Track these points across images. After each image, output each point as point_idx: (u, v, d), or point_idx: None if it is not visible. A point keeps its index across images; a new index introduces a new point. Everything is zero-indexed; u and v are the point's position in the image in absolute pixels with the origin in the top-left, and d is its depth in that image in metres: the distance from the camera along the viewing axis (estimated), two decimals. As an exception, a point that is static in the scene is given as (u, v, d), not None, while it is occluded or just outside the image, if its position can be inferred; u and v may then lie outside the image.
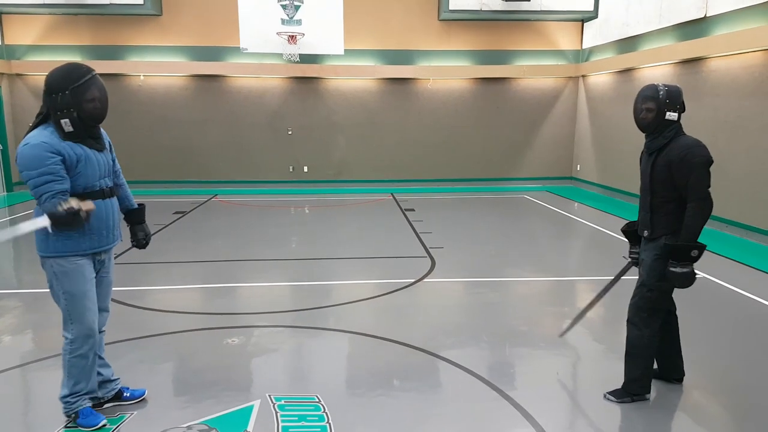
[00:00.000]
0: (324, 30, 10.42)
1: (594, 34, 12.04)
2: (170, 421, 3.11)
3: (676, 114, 3.10)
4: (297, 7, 10.17)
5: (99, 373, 3.19)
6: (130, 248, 7.01)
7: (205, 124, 12.23)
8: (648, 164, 3.22)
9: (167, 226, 8.43)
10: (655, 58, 9.54)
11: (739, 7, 7.70)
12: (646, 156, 3.26)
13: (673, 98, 3.10)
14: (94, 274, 3.02)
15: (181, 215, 9.28)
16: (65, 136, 2.79)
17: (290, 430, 3.04)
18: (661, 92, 3.10)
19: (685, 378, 3.54)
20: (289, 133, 12.38)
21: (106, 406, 3.24)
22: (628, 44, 10.60)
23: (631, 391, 3.30)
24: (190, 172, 12.36)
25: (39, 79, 11.72)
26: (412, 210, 9.85)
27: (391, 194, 11.64)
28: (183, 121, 12.18)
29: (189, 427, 3.06)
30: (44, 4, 10.68)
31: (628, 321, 3.31)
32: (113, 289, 3.26)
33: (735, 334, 4.46)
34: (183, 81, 12.06)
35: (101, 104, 2.86)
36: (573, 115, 12.95)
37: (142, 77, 11.88)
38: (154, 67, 11.75)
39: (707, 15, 8.34)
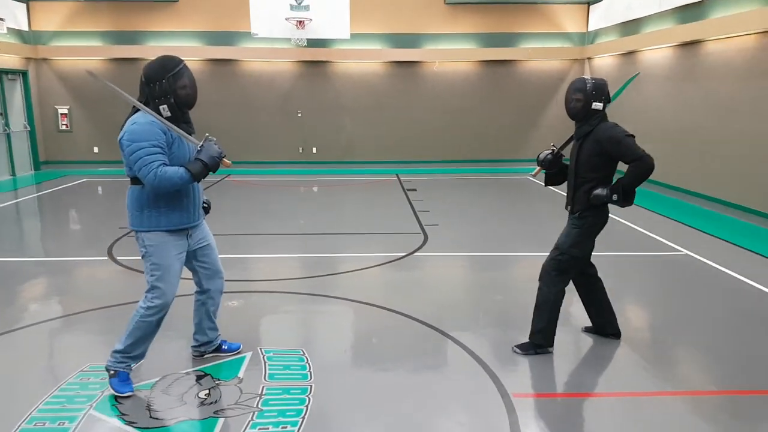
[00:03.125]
0: (331, 15, 10.76)
1: (599, 17, 12.16)
2: (172, 368, 3.60)
3: (601, 104, 3.52)
4: (305, -7, 10.51)
5: (206, 334, 3.66)
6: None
7: (218, 107, 12.69)
8: (575, 148, 3.65)
9: (182, 203, 8.97)
10: (656, 40, 9.70)
11: (734, -9, 7.84)
12: (574, 142, 3.68)
13: (599, 90, 3.50)
14: (183, 252, 3.31)
15: (195, 194, 9.81)
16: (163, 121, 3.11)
17: (276, 376, 3.51)
18: (589, 85, 3.50)
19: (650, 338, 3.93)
20: (299, 115, 12.80)
21: (206, 356, 3.72)
22: (631, 27, 10.73)
23: (536, 342, 3.76)
24: (205, 153, 12.87)
25: (63, 63, 12.31)
26: (414, 190, 10.24)
27: (396, 175, 12.03)
28: (198, 103, 12.52)
29: (187, 373, 3.55)
30: (66, -8, 11.20)
31: (539, 279, 3.77)
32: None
33: (713, 313, 4.80)
34: (198, 65, 12.52)
35: (192, 91, 3.20)
36: (579, 98, 13.09)
37: (159, 61, 12.36)
38: (171, 52, 12.05)
39: (704, -2, 8.49)
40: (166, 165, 3.07)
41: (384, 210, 8.70)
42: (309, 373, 3.55)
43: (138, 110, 3.15)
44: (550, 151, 3.87)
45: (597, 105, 3.51)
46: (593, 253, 3.84)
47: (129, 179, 3.20)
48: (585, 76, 3.59)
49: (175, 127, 3.16)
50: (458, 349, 3.90)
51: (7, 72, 11.48)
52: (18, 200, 9.59)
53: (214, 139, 3.29)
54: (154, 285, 3.25)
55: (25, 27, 11.96)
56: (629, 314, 4.61)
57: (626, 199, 3.49)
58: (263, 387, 3.38)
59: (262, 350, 3.85)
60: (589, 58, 12.71)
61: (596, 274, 3.89)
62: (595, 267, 3.89)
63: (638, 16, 10.36)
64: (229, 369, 3.61)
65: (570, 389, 3.49)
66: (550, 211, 8.90)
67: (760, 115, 7.49)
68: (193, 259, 3.47)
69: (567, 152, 3.90)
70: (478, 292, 5.19)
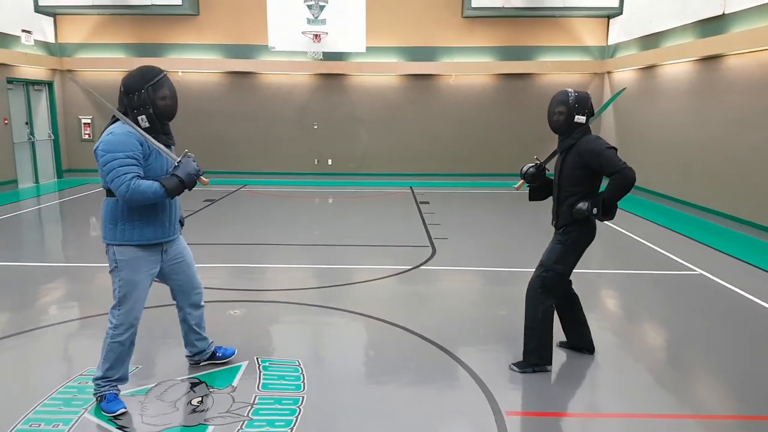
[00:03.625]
0: (347, 29, 10.87)
1: (619, 31, 12.05)
2: (169, 375, 3.62)
3: (584, 117, 3.47)
4: (322, 8, 10.64)
5: (195, 346, 3.66)
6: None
7: (237, 118, 12.90)
8: (558, 162, 3.61)
9: (196, 212, 9.09)
10: (676, 55, 9.56)
11: (757, 4, 7.69)
12: (558, 155, 3.64)
13: (581, 103, 3.47)
14: (156, 268, 3.25)
15: (210, 203, 9.94)
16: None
17: (269, 386, 3.51)
18: (571, 98, 3.47)
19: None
20: (315, 127, 12.91)
21: (202, 364, 3.73)
22: (651, 41, 10.61)
23: (530, 362, 3.69)
24: (222, 163, 13.06)
25: (87, 74, 12.64)
26: (427, 203, 10.21)
27: (410, 187, 12.02)
28: (217, 115, 12.88)
29: (182, 380, 3.56)
30: (93, 5, 11.52)
31: (525, 298, 3.71)
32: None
33: (730, 335, 4.66)
34: (218, 77, 12.75)
35: (172, 102, 3.11)
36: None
37: (180, 73, 12.62)
38: (192, 64, 12.48)
39: (725, 12, 8.35)
40: (140, 177, 2.99)
41: (395, 222, 8.69)
42: (303, 384, 3.54)
43: (117, 120, 3.09)
44: (534, 164, 3.82)
45: (579, 118, 3.47)
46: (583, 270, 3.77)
47: (105, 190, 3.12)
48: (568, 89, 3.54)
49: (153, 140, 3.08)
50: (455, 365, 3.84)
51: (33, 83, 11.84)
52: (39, 207, 9.84)
53: (193, 155, 3.21)
54: (121, 301, 3.17)
55: (51, 39, 12.34)
56: (639, 334, 4.50)
57: (606, 213, 3.43)
58: (256, 396, 3.37)
59: (259, 360, 3.84)
60: (608, 72, 12.59)
61: (572, 289, 3.87)
62: (570, 281, 3.84)
63: (658, 30, 10.24)
64: (224, 377, 3.61)
65: (564, 409, 3.40)
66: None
67: (780, 131, 7.31)
68: (168, 275, 3.40)
69: (552, 166, 3.85)
70: (482, 306, 5.12)
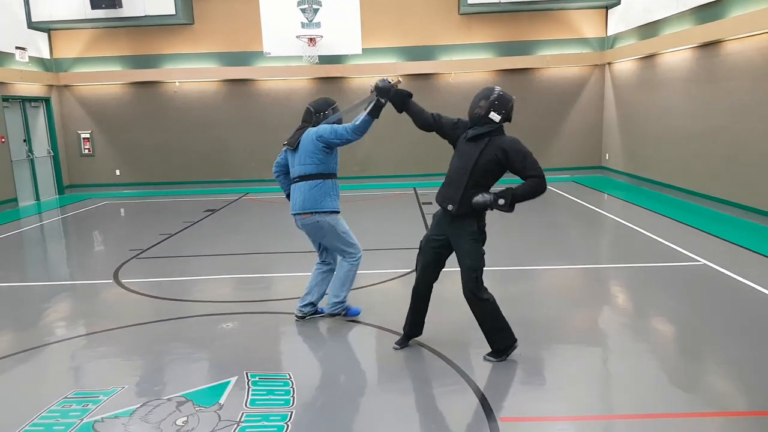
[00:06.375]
0: (342, 31, 10.75)
1: (618, 21, 11.86)
2: (156, 393, 3.53)
3: (498, 117, 3.61)
4: (316, 11, 10.55)
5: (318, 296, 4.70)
6: (155, 244, 7.63)
7: (236, 127, 12.84)
8: (475, 151, 3.62)
9: (196, 222, 9.02)
10: (675, 42, 9.37)
11: (753, -12, 7.50)
12: (467, 142, 3.70)
13: (501, 103, 3.61)
14: None
15: (211, 212, 9.88)
16: None
17: (257, 402, 3.40)
18: (493, 96, 3.62)
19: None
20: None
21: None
22: (650, 30, 10.42)
23: (500, 348, 3.78)
24: (223, 173, 13.02)
25: (84, 89, 12.65)
26: (430, 203, 10.08)
27: (414, 188, 11.89)
28: (216, 124, 12.84)
29: (169, 399, 3.47)
30: (86, 19, 11.50)
31: (468, 301, 3.72)
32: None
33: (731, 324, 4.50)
34: (215, 86, 12.71)
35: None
36: (600, 104, 12.79)
37: (177, 84, 12.60)
38: (188, 74, 12.45)
39: (722, -3, 8.16)
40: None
41: (397, 224, 8.57)
42: (292, 398, 3.42)
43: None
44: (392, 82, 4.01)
45: (494, 116, 3.60)
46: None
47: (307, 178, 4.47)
48: (495, 87, 3.69)
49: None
50: (450, 370, 3.71)
51: (30, 99, 11.85)
52: (41, 224, 9.82)
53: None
54: (350, 244, 4.56)
55: (47, 55, 12.36)
56: (639, 331, 4.35)
57: (511, 206, 3.55)
58: (243, 414, 3.26)
59: (248, 374, 3.73)
60: (609, 63, 12.40)
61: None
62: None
63: (656, 18, 10.05)
64: (212, 394, 3.50)
65: (557, 412, 3.26)
66: (566, 224, 8.62)
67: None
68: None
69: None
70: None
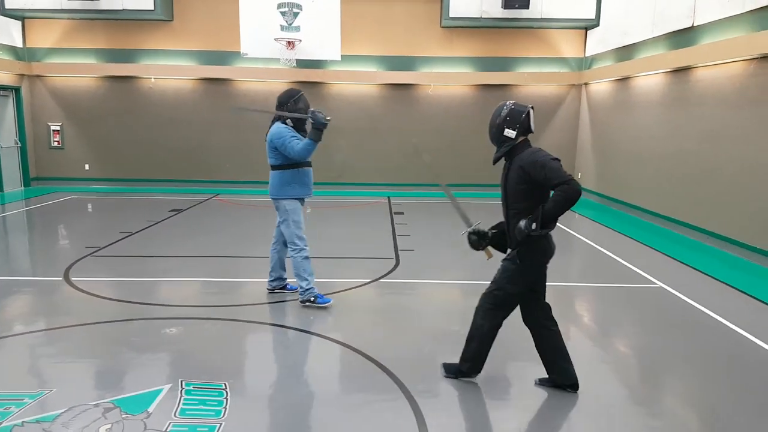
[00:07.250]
0: (321, 37, 10.70)
1: (596, 42, 11.99)
2: (85, 398, 3.39)
3: (513, 132, 3.34)
4: (296, 14, 10.49)
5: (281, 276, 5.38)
6: (113, 242, 7.45)
7: (211, 126, 12.67)
8: (503, 176, 3.44)
9: (159, 222, 8.84)
10: (649, 66, 9.48)
11: (724, 17, 7.62)
12: (503, 171, 3.47)
13: (513, 117, 3.35)
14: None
15: (176, 212, 9.69)
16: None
17: (187, 411, 3.28)
18: (504, 112, 3.37)
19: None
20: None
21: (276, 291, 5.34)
22: (626, 52, 10.54)
23: (461, 369, 3.67)
24: (196, 172, 12.82)
25: (57, 80, 12.40)
26: (401, 213, 10.03)
27: (388, 197, 11.83)
28: (191, 122, 12.66)
29: (96, 405, 3.33)
30: (63, 9, 11.28)
31: (475, 310, 3.59)
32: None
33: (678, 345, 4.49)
34: (191, 84, 12.54)
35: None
36: (575, 123, 12.90)
37: (153, 79, 12.41)
38: (165, 70, 12.26)
39: (695, 24, 8.27)
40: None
41: (365, 233, 8.48)
42: (224, 409, 3.32)
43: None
44: (472, 231, 3.62)
45: (509, 132, 3.37)
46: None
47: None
48: (506, 102, 3.48)
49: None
50: (392, 385, 3.63)
51: (-1, 88, 11.58)
52: (3, 215, 9.54)
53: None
54: (296, 233, 5.01)
55: (19, 44, 12.09)
56: (589, 352, 4.32)
57: (545, 226, 3.20)
58: (170, 423, 3.14)
59: (183, 383, 3.62)
60: (586, 84, 12.52)
61: (551, 326, 3.56)
62: (554, 321, 3.57)
63: (633, 42, 10.17)
64: (142, 402, 3.38)
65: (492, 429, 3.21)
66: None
67: (749, 143, 7.20)
68: None
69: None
70: (433, 321, 4.89)
